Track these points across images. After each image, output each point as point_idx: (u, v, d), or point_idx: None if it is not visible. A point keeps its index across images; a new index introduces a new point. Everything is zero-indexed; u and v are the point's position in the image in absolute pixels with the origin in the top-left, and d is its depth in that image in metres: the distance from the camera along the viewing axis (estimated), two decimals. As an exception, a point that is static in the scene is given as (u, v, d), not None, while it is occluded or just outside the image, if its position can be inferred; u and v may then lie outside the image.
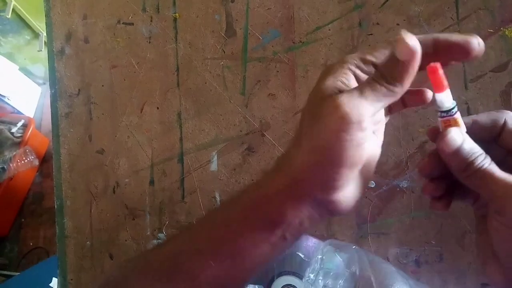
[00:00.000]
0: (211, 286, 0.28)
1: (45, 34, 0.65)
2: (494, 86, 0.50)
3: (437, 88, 0.25)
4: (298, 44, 0.56)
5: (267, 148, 0.56)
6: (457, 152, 0.25)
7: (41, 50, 1.63)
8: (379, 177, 0.52)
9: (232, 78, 0.58)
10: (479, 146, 0.26)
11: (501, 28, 0.50)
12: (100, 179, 0.61)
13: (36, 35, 1.65)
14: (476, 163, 0.25)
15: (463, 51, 0.25)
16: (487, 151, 0.26)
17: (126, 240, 0.60)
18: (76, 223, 0.62)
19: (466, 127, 0.27)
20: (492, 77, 0.50)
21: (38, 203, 1.77)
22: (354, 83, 0.26)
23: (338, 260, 0.45)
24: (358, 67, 0.26)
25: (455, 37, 0.25)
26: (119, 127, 0.61)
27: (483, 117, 0.27)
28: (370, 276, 0.43)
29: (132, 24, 0.62)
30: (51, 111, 0.64)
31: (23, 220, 1.75)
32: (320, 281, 0.42)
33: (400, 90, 0.24)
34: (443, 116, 0.26)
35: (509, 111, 0.27)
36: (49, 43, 0.64)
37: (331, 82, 0.25)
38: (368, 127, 0.24)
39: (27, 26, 1.59)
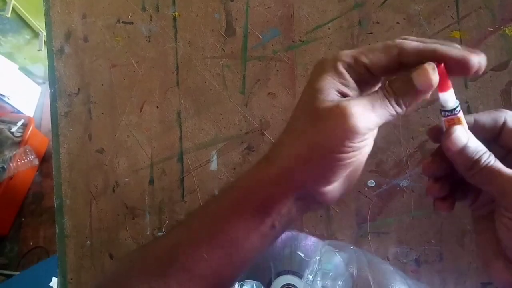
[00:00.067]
0: (206, 278, 0.29)
1: (44, 33, 0.65)
2: (494, 85, 0.50)
3: (441, 87, 0.26)
4: (298, 43, 0.56)
5: (267, 147, 0.56)
6: (463, 151, 0.25)
7: (41, 50, 1.63)
8: (379, 177, 0.52)
9: (232, 77, 0.58)
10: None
11: (501, 27, 0.50)
12: (99, 178, 0.61)
13: (36, 34, 1.65)
14: (482, 161, 0.25)
15: (462, 67, 0.25)
16: (488, 148, 0.26)
17: (126, 240, 0.60)
18: (76, 223, 0.62)
19: (468, 126, 0.27)
20: (492, 76, 0.50)
21: (38, 203, 1.77)
22: (352, 84, 0.26)
23: (336, 260, 0.45)
24: (350, 66, 0.26)
25: (455, 52, 0.25)
26: (118, 126, 0.61)
27: (484, 116, 0.28)
28: (368, 276, 0.43)
29: (132, 23, 0.62)
30: (50, 110, 0.64)
31: (23, 219, 1.75)
32: (318, 282, 0.42)
33: (404, 112, 0.25)
34: (447, 115, 0.26)
35: (509, 111, 0.27)
36: (48, 42, 0.64)
37: (330, 83, 0.26)
38: (370, 135, 0.25)
39: (27, 25, 1.59)
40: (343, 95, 0.26)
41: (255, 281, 0.46)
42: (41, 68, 1.85)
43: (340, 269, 0.44)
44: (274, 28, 0.57)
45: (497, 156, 0.26)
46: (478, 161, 0.25)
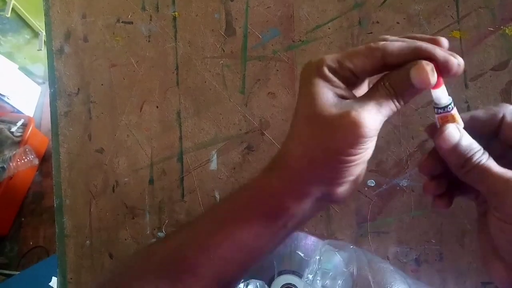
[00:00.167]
0: (213, 280, 0.29)
1: (44, 33, 0.65)
2: (494, 85, 0.50)
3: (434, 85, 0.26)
4: (298, 43, 0.56)
5: (267, 147, 0.56)
6: (455, 148, 0.25)
7: (41, 49, 1.63)
8: (379, 176, 0.52)
9: (232, 77, 0.58)
10: (479, 142, 0.26)
11: (501, 27, 0.50)
12: (99, 178, 0.61)
13: (35, 34, 1.65)
14: (474, 159, 0.25)
15: (443, 68, 0.25)
16: (488, 146, 0.26)
17: (125, 239, 0.60)
18: (75, 222, 0.62)
19: (464, 123, 0.27)
20: (492, 76, 0.50)
21: (38, 202, 1.77)
22: (343, 86, 0.26)
23: (336, 260, 0.45)
24: (336, 71, 0.26)
25: (438, 52, 0.25)
26: (118, 126, 0.61)
27: (481, 112, 0.28)
28: (368, 276, 0.43)
29: (132, 23, 0.61)
30: (50, 110, 0.64)
31: (23, 219, 1.75)
32: (318, 281, 0.42)
33: (402, 107, 0.26)
34: (440, 113, 0.26)
35: (507, 105, 0.27)
36: (48, 42, 0.64)
37: (325, 86, 0.26)
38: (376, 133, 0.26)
39: (27, 25, 1.59)
40: (341, 97, 0.26)
41: (259, 281, 0.46)
42: (41, 68, 1.85)
43: (340, 269, 0.44)
44: (274, 28, 0.57)
45: (498, 152, 0.26)
46: (470, 159, 0.25)
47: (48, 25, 0.64)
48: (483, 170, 0.24)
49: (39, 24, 1.59)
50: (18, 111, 1.78)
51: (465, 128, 0.26)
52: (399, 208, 0.52)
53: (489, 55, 0.50)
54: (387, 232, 0.52)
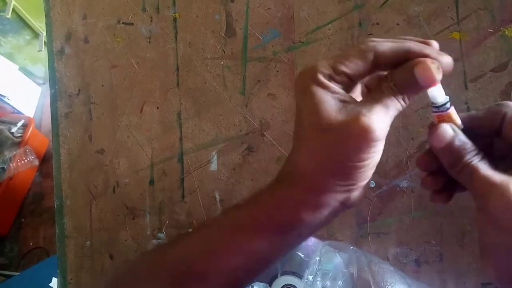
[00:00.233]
0: (222, 286, 0.28)
1: (45, 34, 0.65)
2: (494, 86, 0.50)
3: None
4: (298, 44, 0.56)
5: (267, 148, 0.56)
6: (448, 147, 0.25)
7: (41, 50, 1.63)
8: (379, 177, 0.52)
9: (232, 78, 0.58)
10: (481, 141, 0.26)
11: (501, 28, 0.50)
12: (100, 179, 0.61)
13: (36, 35, 1.65)
14: (465, 159, 0.25)
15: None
16: (491, 145, 0.26)
17: (126, 240, 0.60)
18: (76, 223, 0.62)
19: (464, 123, 0.27)
20: (492, 77, 0.50)
21: (38, 203, 1.77)
22: (340, 90, 0.26)
23: (336, 261, 0.45)
24: (331, 77, 0.26)
25: (429, 52, 0.25)
26: (119, 127, 0.61)
27: (481, 112, 0.28)
28: (368, 277, 0.43)
29: (132, 24, 0.62)
30: (51, 111, 0.64)
31: (23, 220, 1.75)
32: (318, 282, 0.42)
33: (406, 106, 0.26)
34: (436, 112, 0.27)
35: (509, 102, 0.27)
36: (49, 43, 0.64)
37: (325, 93, 0.26)
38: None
39: (27, 26, 1.59)
40: (343, 102, 0.26)
41: (263, 283, 0.46)
42: (41, 69, 1.85)
43: (340, 270, 0.44)
44: (274, 29, 0.57)
45: (501, 151, 0.26)
46: (461, 159, 0.25)
47: (48, 26, 0.64)
48: (472, 171, 0.25)
49: (40, 25, 1.60)
50: (18, 112, 1.78)
51: (465, 127, 0.26)
52: (399, 209, 0.52)
53: (488, 57, 0.50)
54: (387, 233, 0.52)
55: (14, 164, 1.60)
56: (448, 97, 0.26)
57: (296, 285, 0.47)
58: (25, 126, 1.69)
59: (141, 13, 0.61)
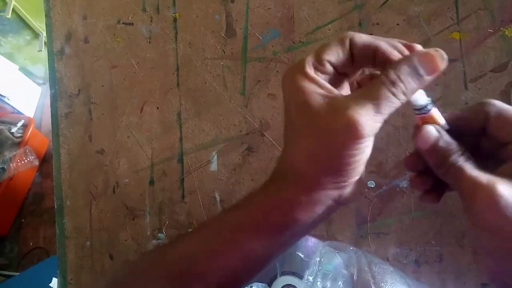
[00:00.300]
0: (222, 285, 0.29)
1: (45, 34, 0.65)
2: (494, 86, 0.50)
3: None
4: (298, 44, 0.56)
5: (267, 148, 0.56)
6: (433, 149, 0.25)
7: (41, 50, 1.63)
8: (379, 177, 0.52)
9: (232, 78, 0.58)
10: (467, 141, 0.26)
11: (501, 28, 0.50)
12: (100, 179, 0.61)
13: (36, 35, 1.65)
14: (450, 160, 0.25)
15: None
16: (477, 145, 0.26)
17: (126, 240, 0.60)
18: (76, 223, 0.62)
19: (449, 123, 0.27)
20: (492, 77, 0.50)
21: (38, 203, 1.77)
22: (329, 85, 0.26)
23: (336, 262, 0.45)
24: (318, 69, 0.26)
25: (394, 54, 0.26)
26: (119, 127, 0.61)
27: (465, 112, 0.27)
28: (369, 277, 0.43)
29: (132, 24, 0.62)
30: (51, 111, 0.64)
31: (23, 220, 1.75)
32: (318, 283, 0.42)
33: (404, 103, 0.25)
34: (418, 114, 0.26)
35: (491, 101, 0.26)
36: (49, 43, 0.64)
37: (313, 88, 0.26)
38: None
39: (27, 26, 1.59)
40: (330, 96, 0.26)
41: (262, 283, 0.46)
42: (41, 69, 1.85)
43: (340, 270, 0.44)
44: (274, 29, 0.57)
45: (488, 150, 0.26)
46: (446, 160, 0.25)
47: (49, 26, 0.64)
48: (458, 172, 0.24)
49: (40, 25, 1.60)
50: (19, 112, 1.78)
51: (450, 128, 0.26)
52: (399, 209, 0.52)
53: (488, 57, 0.50)
54: (387, 233, 0.52)
55: (14, 164, 1.60)
56: (429, 99, 0.26)
57: (296, 285, 0.47)
58: (25, 126, 1.69)
59: (141, 13, 0.61)
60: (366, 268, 0.44)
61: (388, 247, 0.52)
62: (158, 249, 0.34)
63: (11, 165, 1.59)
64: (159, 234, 0.59)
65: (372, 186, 0.52)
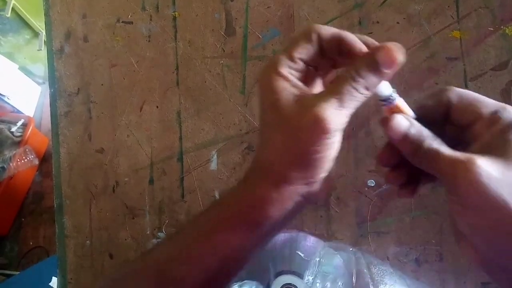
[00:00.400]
0: (201, 287, 0.29)
1: (44, 33, 0.65)
2: (494, 85, 0.50)
3: None
4: (298, 43, 0.56)
5: (267, 147, 0.56)
6: (405, 137, 0.26)
7: (41, 49, 1.63)
8: (379, 176, 0.52)
9: (232, 77, 0.58)
10: (433, 128, 0.26)
11: (501, 27, 0.50)
12: (99, 178, 0.61)
13: (35, 34, 1.65)
14: (425, 145, 0.25)
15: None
16: (442, 131, 0.26)
17: (126, 239, 0.60)
18: (75, 223, 0.62)
19: (415, 113, 0.27)
20: (492, 76, 0.50)
21: (38, 203, 1.77)
22: (301, 83, 0.27)
23: (336, 262, 0.45)
24: (291, 67, 0.27)
25: (357, 43, 0.26)
26: (118, 126, 0.61)
27: (428, 100, 0.28)
28: (368, 279, 0.43)
29: (132, 23, 0.61)
30: (50, 110, 0.64)
31: (23, 219, 1.75)
32: (318, 284, 0.42)
33: (369, 97, 0.26)
34: (384, 105, 0.27)
35: (452, 87, 0.27)
36: (48, 42, 0.64)
37: (286, 88, 0.26)
38: (342, 128, 0.26)
39: (27, 25, 1.59)
40: (302, 94, 0.26)
41: (254, 281, 0.46)
42: (41, 68, 1.85)
43: (339, 271, 0.44)
44: (274, 28, 0.57)
45: (453, 135, 0.27)
46: (420, 146, 0.25)
47: (48, 25, 0.64)
48: (434, 155, 0.24)
49: (39, 24, 1.59)
50: (18, 111, 1.78)
51: (417, 117, 0.27)
52: (399, 209, 0.52)
53: (489, 55, 0.50)
54: (387, 232, 0.52)
55: (14, 164, 1.60)
56: (394, 89, 0.27)
57: (296, 285, 0.47)
58: (25, 126, 1.69)
59: (141, 12, 0.61)
60: (365, 270, 0.44)
61: (388, 246, 0.52)
62: (141, 255, 0.34)
63: (11, 164, 1.59)
64: (159, 233, 0.59)
65: (372, 185, 0.52)
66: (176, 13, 0.60)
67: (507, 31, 0.50)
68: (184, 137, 0.59)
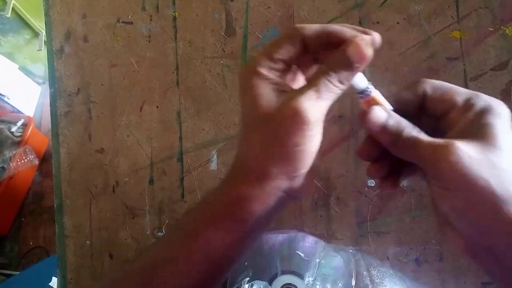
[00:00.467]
0: None
1: (44, 33, 0.65)
2: (494, 85, 0.50)
3: None
4: (298, 43, 0.56)
5: (267, 147, 0.56)
6: (384, 128, 0.26)
7: (41, 49, 1.63)
8: (379, 176, 0.52)
9: (232, 77, 0.58)
10: (410, 120, 0.26)
11: (501, 27, 0.50)
12: (99, 178, 0.61)
13: (35, 34, 1.65)
14: (404, 134, 0.25)
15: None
16: (419, 123, 0.27)
17: (125, 239, 0.60)
18: (75, 222, 0.62)
19: (392, 106, 0.28)
20: (492, 76, 0.50)
21: (38, 203, 1.77)
22: (280, 81, 0.27)
23: (336, 264, 0.45)
24: (271, 67, 0.27)
25: (345, 31, 0.26)
26: (118, 126, 0.61)
27: (404, 92, 0.28)
28: (367, 280, 0.43)
29: (132, 23, 0.62)
30: (50, 110, 0.64)
31: (23, 219, 1.75)
32: (318, 285, 0.42)
33: (346, 88, 0.26)
34: (361, 98, 0.27)
35: (426, 79, 0.28)
36: (48, 42, 0.64)
37: (265, 86, 0.27)
38: (321, 121, 0.26)
39: (27, 25, 1.59)
40: (281, 91, 0.27)
41: (263, 282, 0.46)
42: (41, 68, 1.85)
43: (339, 272, 0.44)
44: (274, 28, 0.57)
45: (429, 126, 0.27)
46: (400, 135, 0.25)
47: (48, 25, 0.64)
48: (414, 143, 0.25)
49: (39, 24, 1.59)
50: (18, 111, 1.78)
51: (395, 110, 0.27)
52: (399, 208, 0.52)
53: (489, 55, 0.50)
54: (387, 232, 0.52)
55: (14, 164, 1.60)
56: (370, 82, 0.27)
57: (296, 285, 0.47)
58: (25, 126, 1.69)
59: (141, 12, 0.61)
60: (364, 272, 0.44)
61: (388, 246, 0.52)
62: (128, 261, 0.34)
63: (11, 164, 1.59)
64: (159, 233, 0.59)
65: (372, 185, 0.52)
66: (176, 13, 0.60)
67: (507, 31, 0.50)
68: (184, 137, 0.59)
